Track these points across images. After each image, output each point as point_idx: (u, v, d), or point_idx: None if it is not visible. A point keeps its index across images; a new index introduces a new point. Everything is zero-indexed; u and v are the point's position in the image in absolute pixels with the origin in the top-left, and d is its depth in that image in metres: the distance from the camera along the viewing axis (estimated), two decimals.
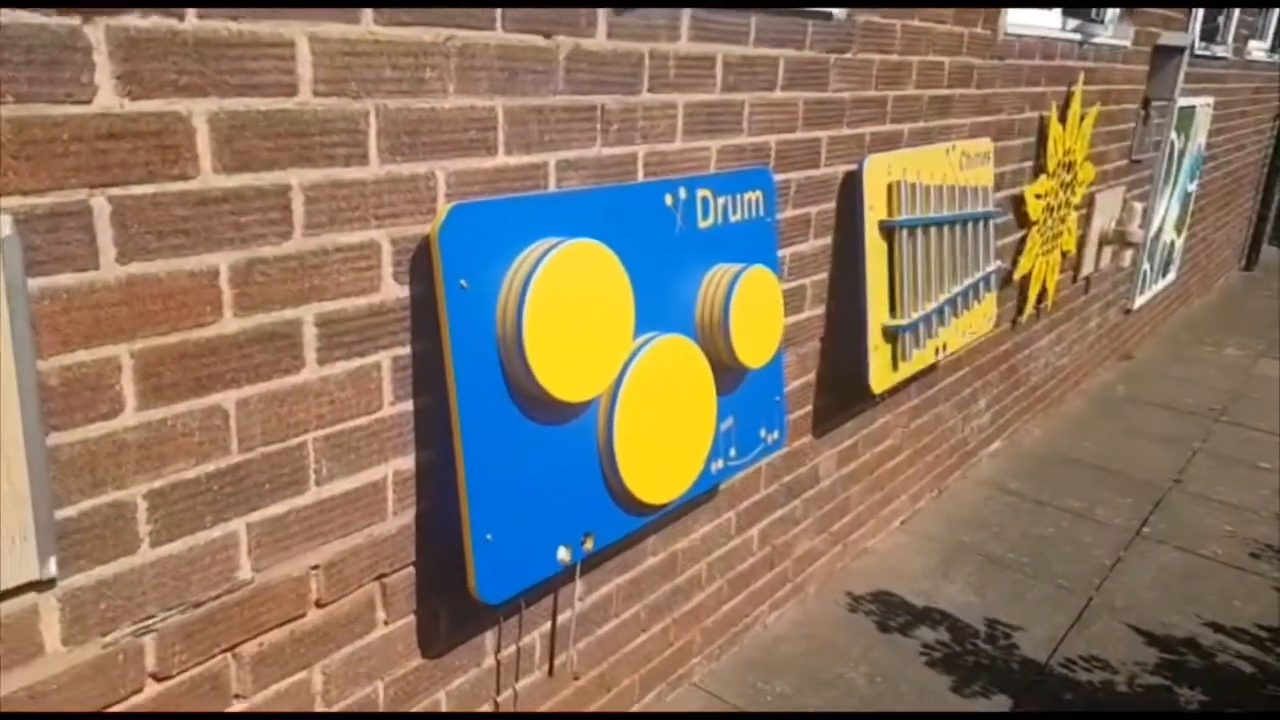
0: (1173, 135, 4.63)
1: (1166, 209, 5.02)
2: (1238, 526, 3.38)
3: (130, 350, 1.07)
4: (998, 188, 3.07)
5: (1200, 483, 3.73)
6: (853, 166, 2.32)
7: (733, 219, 1.85)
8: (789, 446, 2.44)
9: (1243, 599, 2.91)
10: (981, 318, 2.93)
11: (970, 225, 2.70)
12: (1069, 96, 3.36)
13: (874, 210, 2.32)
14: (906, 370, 2.54)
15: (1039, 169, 3.33)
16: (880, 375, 2.43)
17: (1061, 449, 3.98)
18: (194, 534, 1.16)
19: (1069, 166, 3.51)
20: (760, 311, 1.83)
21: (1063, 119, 3.34)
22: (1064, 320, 4.16)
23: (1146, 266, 4.98)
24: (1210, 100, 5.18)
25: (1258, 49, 6.13)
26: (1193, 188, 5.41)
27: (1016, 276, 3.40)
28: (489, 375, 1.36)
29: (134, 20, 1.01)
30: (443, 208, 1.32)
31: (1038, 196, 3.32)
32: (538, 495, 1.46)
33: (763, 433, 2.02)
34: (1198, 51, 4.59)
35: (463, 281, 1.31)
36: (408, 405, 1.39)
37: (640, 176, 1.72)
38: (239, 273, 1.15)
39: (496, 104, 1.41)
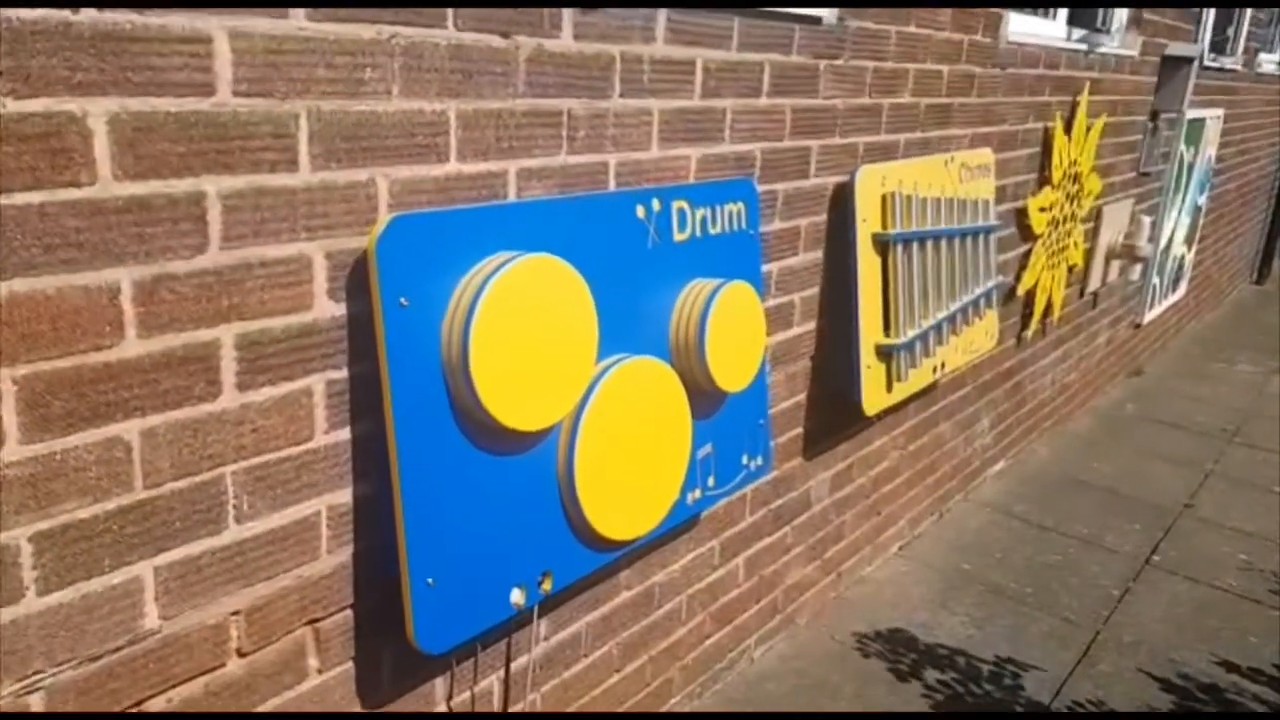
0: (1182, 147, 4.50)
1: (1176, 222, 4.88)
2: (1252, 556, 3.23)
3: (13, 376, 0.95)
4: (1000, 200, 2.95)
5: (1213, 508, 3.59)
6: (845, 177, 2.21)
7: (712, 231, 1.73)
8: (778, 471, 2.32)
9: (1260, 635, 2.76)
10: (983, 335, 2.80)
11: (970, 239, 2.58)
12: (1074, 107, 3.25)
13: (867, 223, 2.20)
14: (902, 391, 2.41)
15: (1043, 181, 3.21)
16: (873, 396, 2.31)
17: (1069, 470, 3.84)
18: (90, 580, 1.05)
19: (1075, 178, 3.39)
20: (740, 331, 1.71)
21: (1068, 130, 3.22)
22: (1071, 336, 4.03)
23: (1156, 280, 4.84)
24: (1220, 113, 5.06)
25: (1268, 61, 6.01)
26: (1203, 201, 5.28)
27: (1020, 291, 3.27)
28: (432, 402, 1.24)
29: (19, 12, 0.90)
30: (383, 218, 1.21)
31: (1042, 209, 3.20)
32: (488, 533, 1.34)
33: (745, 459, 1.89)
34: (1207, 63, 4.47)
35: (403, 299, 1.20)
36: (344, 433, 1.27)
37: (612, 186, 1.61)
38: (144, 290, 1.04)
39: (448, 107, 1.30)
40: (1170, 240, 4.87)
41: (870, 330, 2.26)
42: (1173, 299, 5.30)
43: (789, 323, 2.20)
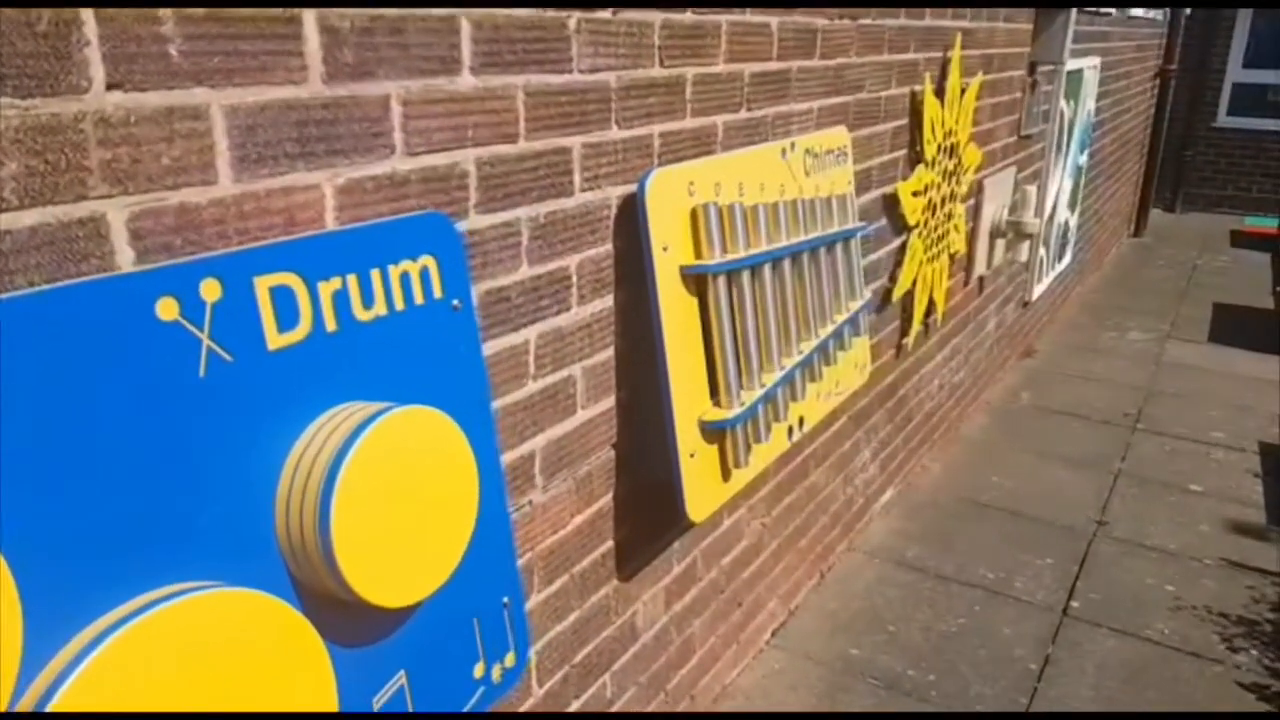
0: (1062, 103, 4.02)
1: (1060, 187, 4.43)
2: (1180, 586, 2.76)
3: None
4: (864, 188, 2.31)
5: (1128, 522, 3.12)
6: (633, 187, 1.50)
7: (361, 317, 0.99)
8: (580, 610, 1.62)
9: (1204, 701, 2.27)
10: (852, 369, 2.16)
11: (825, 252, 1.92)
12: (945, 64, 2.64)
13: (670, 252, 1.50)
14: (744, 477, 1.74)
15: (915, 159, 2.60)
16: (702, 496, 1.63)
17: (965, 489, 3.32)
18: None
19: (951, 151, 2.79)
20: (418, 491, 0.97)
21: (940, 93, 2.61)
22: (958, 331, 3.49)
23: (1043, 252, 4.39)
24: (1097, 62, 4.63)
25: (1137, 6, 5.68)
26: (1084, 160, 4.87)
27: (897, 295, 2.67)
28: None
29: None
30: None
31: (915, 194, 2.58)
32: None
33: (478, 669, 1.17)
34: (1083, 9, 3.99)
35: None
36: None
37: (127, 262, 0.84)
38: None
39: None
40: (1054, 207, 4.42)
41: (690, 404, 1.57)
42: (1059, 268, 4.89)
43: (569, 408, 1.49)
